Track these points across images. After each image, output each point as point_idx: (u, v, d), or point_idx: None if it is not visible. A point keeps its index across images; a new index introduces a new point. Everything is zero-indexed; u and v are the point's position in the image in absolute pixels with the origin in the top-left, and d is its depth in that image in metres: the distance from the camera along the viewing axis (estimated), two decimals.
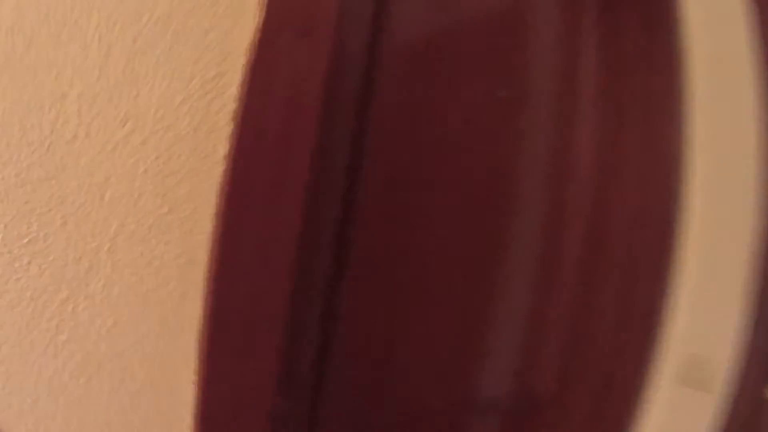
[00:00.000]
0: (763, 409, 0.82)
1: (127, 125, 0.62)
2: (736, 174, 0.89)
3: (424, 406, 0.79)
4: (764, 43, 0.81)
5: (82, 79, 0.62)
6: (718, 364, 0.83)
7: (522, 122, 0.84)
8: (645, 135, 0.87)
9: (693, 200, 0.91)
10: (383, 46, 0.71)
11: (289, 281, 0.65)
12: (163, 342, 0.63)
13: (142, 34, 0.63)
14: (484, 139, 0.78)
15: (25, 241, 0.62)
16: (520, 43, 0.82)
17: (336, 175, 0.69)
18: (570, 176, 0.84)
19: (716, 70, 0.89)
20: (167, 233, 0.62)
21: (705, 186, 0.92)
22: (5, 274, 0.63)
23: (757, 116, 0.83)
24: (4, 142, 0.63)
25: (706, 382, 0.82)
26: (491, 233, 0.79)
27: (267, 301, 0.64)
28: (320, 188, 0.67)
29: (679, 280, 0.91)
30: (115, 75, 0.63)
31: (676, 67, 0.86)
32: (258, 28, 0.65)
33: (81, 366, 0.64)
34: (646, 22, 0.88)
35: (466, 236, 0.76)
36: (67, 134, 0.62)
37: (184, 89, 0.64)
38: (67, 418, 0.65)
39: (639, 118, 0.85)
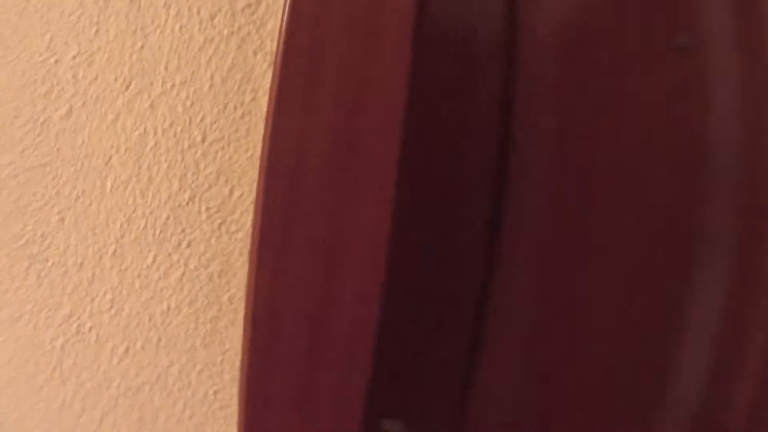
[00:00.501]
0: None
1: (130, 86, 0.44)
2: None
3: None
4: None
5: (77, 38, 0.46)
6: None
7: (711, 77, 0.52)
8: None
9: None
10: None
11: (376, 308, 0.44)
12: (190, 378, 0.45)
13: None
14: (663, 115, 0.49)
15: (22, 242, 0.48)
16: None
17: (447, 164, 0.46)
18: None
19: None
20: (190, 231, 0.44)
21: None
22: (5, 281, 0.50)
23: None
24: None
25: None
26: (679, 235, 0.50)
27: (355, 333, 0.44)
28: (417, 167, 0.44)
29: None
30: (115, 25, 0.45)
31: None
32: None
33: (93, 398, 0.49)
34: None
35: (644, 250, 0.48)
36: (62, 108, 0.46)
37: (205, 28, 0.44)
38: None
39: None
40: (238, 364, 0.46)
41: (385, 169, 0.43)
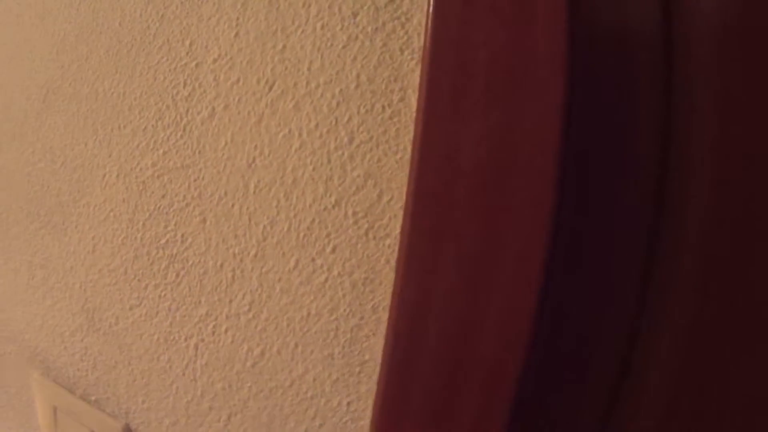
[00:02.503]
0: None
1: (273, 87, 0.43)
2: None
3: None
4: None
5: (217, 42, 0.45)
6: None
7: None
8: None
9: None
10: None
11: (536, 322, 0.40)
12: (324, 387, 0.43)
13: None
14: None
15: (163, 241, 0.48)
16: None
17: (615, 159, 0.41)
18: None
19: None
20: (335, 235, 0.41)
21: None
22: (144, 278, 0.50)
23: None
24: (141, 128, 0.49)
25: None
26: None
27: (501, 354, 0.40)
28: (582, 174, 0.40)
29: None
30: (255, 27, 0.44)
31: None
32: None
33: (222, 398, 0.48)
34: None
35: None
36: (204, 110, 0.45)
37: (347, 26, 0.42)
38: None
39: None
40: (376, 376, 0.44)
41: (543, 172, 0.39)
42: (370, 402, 0.45)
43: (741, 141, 0.39)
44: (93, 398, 0.58)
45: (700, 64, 0.40)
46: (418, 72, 0.42)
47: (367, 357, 0.43)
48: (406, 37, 0.43)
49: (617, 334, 0.43)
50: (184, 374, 0.50)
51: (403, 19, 0.43)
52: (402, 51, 0.42)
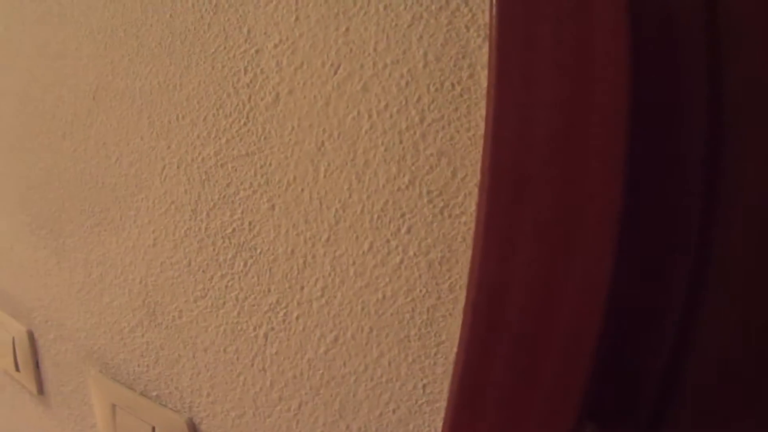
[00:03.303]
0: None
1: (339, 70, 0.43)
2: None
3: None
4: None
5: (277, 27, 0.45)
6: None
7: None
8: None
9: None
10: None
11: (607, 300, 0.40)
12: (400, 370, 0.43)
13: None
14: None
15: (229, 230, 0.48)
16: None
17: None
18: None
19: None
20: (410, 215, 0.41)
21: None
22: (209, 269, 0.50)
23: None
24: (201, 118, 0.48)
25: None
26: None
27: (578, 329, 0.40)
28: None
29: None
30: (315, 11, 0.44)
31: None
32: None
33: (292, 387, 0.48)
34: None
35: None
36: (267, 96, 0.45)
37: (411, 5, 0.42)
38: None
39: None
40: (452, 357, 0.44)
41: (616, 143, 0.38)
42: (446, 384, 0.44)
43: None
44: (154, 394, 0.58)
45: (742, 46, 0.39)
46: (485, 49, 0.41)
47: (443, 337, 0.43)
48: (470, 15, 0.42)
49: (671, 306, 0.43)
50: (252, 365, 0.50)
51: None
52: (468, 28, 0.42)
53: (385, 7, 0.44)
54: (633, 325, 0.45)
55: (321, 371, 0.47)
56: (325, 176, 0.44)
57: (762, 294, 0.42)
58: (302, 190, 0.45)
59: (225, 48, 0.49)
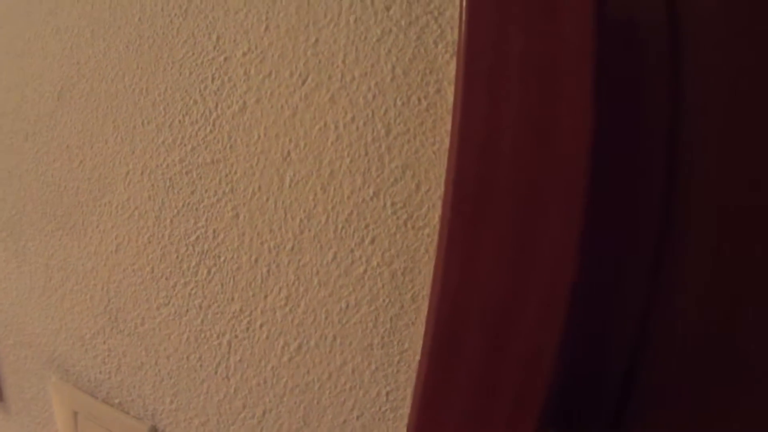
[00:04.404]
0: None
1: (307, 81, 0.43)
2: None
3: None
4: None
5: (246, 36, 0.45)
6: None
7: None
8: None
9: None
10: None
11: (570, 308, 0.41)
12: (363, 378, 0.44)
13: None
14: None
15: (193, 238, 0.48)
16: None
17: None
18: None
19: None
20: (374, 226, 0.42)
21: None
22: (173, 276, 0.49)
23: None
24: (167, 124, 0.48)
25: None
26: None
27: (540, 338, 0.41)
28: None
29: None
30: (285, 21, 0.44)
31: None
32: None
33: (256, 395, 0.48)
34: None
35: None
36: (234, 104, 0.45)
37: (381, 19, 0.42)
38: None
39: None
40: (415, 365, 0.44)
41: (578, 160, 0.39)
42: (409, 391, 0.45)
43: (749, 116, 0.40)
44: (116, 401, 0.58)
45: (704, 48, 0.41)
46: (452, 65, 0.42)
47: (406, 346, 0.43)
48: (439, 31, 0.43)
49: (632, 308, 0.45)
50: (216, 372, 0.50)
51: (436, 13, 0.43)
52: (436, 44, 0.43)
53: (356, 20, 0.44)
54: (593, 333, 0.46)
55: (285, 379, 0.48)
56: (290, 186, 0.44)
57: (717, 295, 0.43)
58: (267, 199, 0.45)
59: (193, 54, 0.48)
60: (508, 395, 0.44)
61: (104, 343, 0.56)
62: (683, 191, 0.43)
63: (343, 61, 0.44)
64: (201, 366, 0.51)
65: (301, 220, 0.44)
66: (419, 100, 0.42)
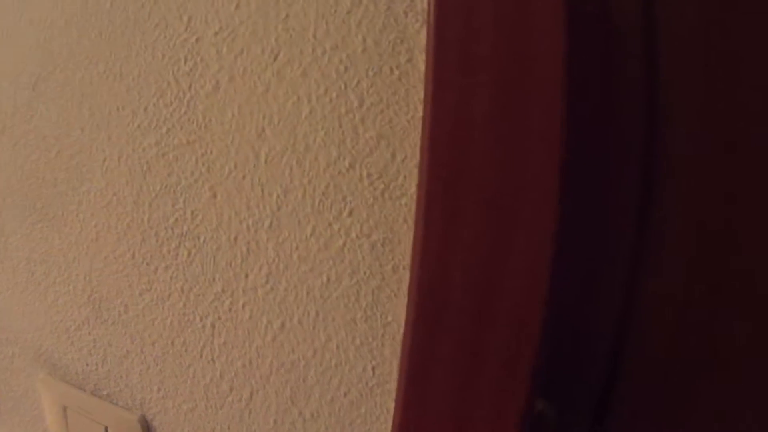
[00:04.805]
0: None
1: (279, 56, 0.43)
2: None
3: None
4: None
5: (217, 15, 0.45)
6: None
7: None
8: None
9: None
10: None
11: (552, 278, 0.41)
12: (348, 354, 0.43)
13: None
14: None
15: (172, 221, 0.47)
16: None
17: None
18: None
19: None
20: (351, 199, 0.41)
21: None
22: (153, 261, 0.49)
23: None
24: (142, 108, 0.48)
25: None
26: None
27: (525, 302, 0.41)
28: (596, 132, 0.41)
29: None
30: None
31: None
32: None
33: (242, 377, 0.48)
34: None
35: None
36: (208, 84, 0.45)
37: None
38: None
39: None
40: (399, 337, 0.44)
41: (552, 120, 0.39)
42: (395, 364, 0.45)
43: (726, 111, 0.40)
44: (105, 392, 0.57)
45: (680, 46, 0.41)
46: (423, 34, 0.42)
47: (390, 318, 0.43)
48: (409, 0, 0.43)
49: (617, 280, 0.44)
50: (201, 356, 0.50)
51: None
52: (406, 14, 0.43)
53: None
54: (581, 297, 0.46)
55: (270, 359, 0.47)
56: (266, 162, 0.44)
57: (697, 280, 0.43)
58: (243, 177, 0.44)
59: (165, 37, 0.48)
60: (496, 362, 0.44)
61: (89, 334, 0.56)
62: (661, 180, 0.43)
63: (314, 35, 0.43)
64: (186, 350, 0.50)
65: (278, 196, 0.44)
66: (391, 70, 0.42)
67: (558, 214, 0.40)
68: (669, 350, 0.47)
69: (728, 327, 0.42)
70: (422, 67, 0.42)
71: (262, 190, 0.44)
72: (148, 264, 0.50)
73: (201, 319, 0.48)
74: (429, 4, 0.41)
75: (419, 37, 0.42)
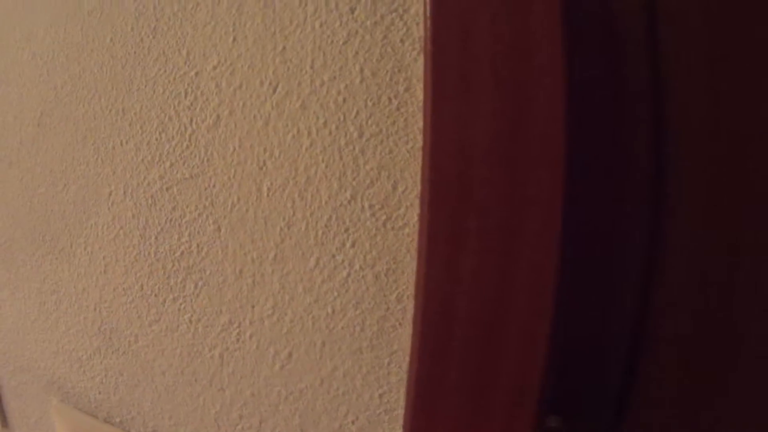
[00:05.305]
0: None
1: (278, 89, 0.43)
2: None
3: None
4: None
5: (215, 49, 0.45)
6: None
7: None
8: None
9: None
10: None
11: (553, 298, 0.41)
12: (355, 382, 0.44)
13: None
14: None
15: (178, 253, 0.48)
16: None
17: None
18: None
19: None
20: (353, 230, 0.42)
21: None
22: (161, 293, 0.50)
23: None
24: (144, 142, 0.48)
25: None
26: None
27: (531, 327, 0.41)
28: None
29: None
30: (252, 31, 0.44)
31: None
32: None
33: (252, 405, 0.49)
34: None
35: None
36: (208, 118, 0.45)
37: (346, 22, 0.42)
38: None
39: None
40: (406, 365, 0.44)
41: (555, 147, 0.39)
42: (402, 391, 0.45)
43: (733, 107, 0.40)
44: (117, 420, 0.58)
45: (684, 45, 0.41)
46: (420, 61, 0.42)
47: (395, 347, 0.43)
48: (405, 29, 0.43)
49: (630, 298, 0.44)
50: (210, 385, 0.50)
51: (400, 10, 0.43)
52: (403, 42, 0.43)
53: (321, 25, 0.44)
54: (592, 319, 0.46)
55: (278, 388, 0.48)
56: (268, 195, 0.44)
57: (711, 288, 0.43)
58: (247, 210, 0.45)
59: (165, 71, 0.49)
60: (504, 388, 0.44)
61: (101, 363, 0.57)
62: (670, 194, 0.42)
63: (312, 67, 0.44)
64: (196, 380, 0.51)
65: (281, 229, 0.44)
66: (389, 99, 0.42)
67: (561, 242, 0.40)
68: (683, 361, 0.46)
69: (741, 335, 0.41)
70: (420, 95, 0.42)
71: (266, 223, 0.44)
72: (156, 296, 0.51)
73: (209, 350, 0.49)
74: (425, 31, 0.41)
75: (417, 65, 0.42)
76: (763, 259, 0.39)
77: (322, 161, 0.42)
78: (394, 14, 0.42)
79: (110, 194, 0.51)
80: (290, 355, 0.46)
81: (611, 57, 0.42)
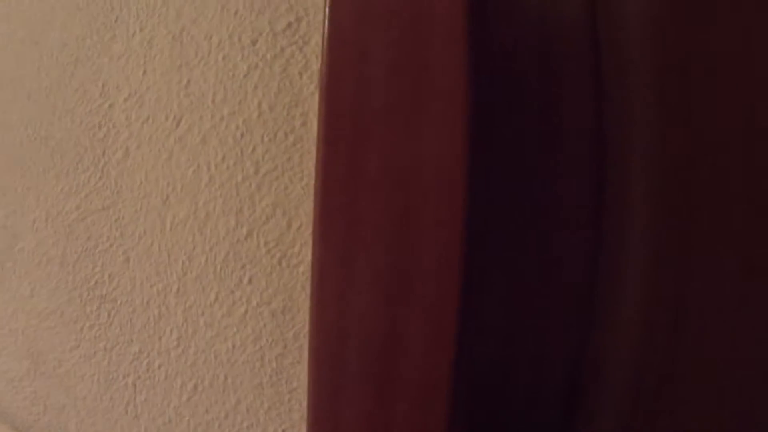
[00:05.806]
0: None
1: (181, 123, 0.43)
2: None
3: None
4: None
5: (128, 81, 0.46)
6: None
7: None
8: None
9: None
10: None
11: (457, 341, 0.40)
12: (258, 417, 0.44)
13: (188, 2, 0.43)
14: None
15: (92, 283, 0.49)
16: None
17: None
18: None
19: None
20: (250, 266, 0.42)
21: None
22: (80, 320, 0.50)
23: None
24: (64, 172, 0.49)
25: None
26: None
27: (428, 367, 0.40)
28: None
29: None
30: (161, 63, 0.45)
31: None
32: None
33: None
34: None
35: None
36: (119, 151, 0.46)
37: (248, 55, 0.43)
38: None
39: None
40: (306, 403, 0.44)
41: (451, 181, 0.39)
42: (304, 429, 0.45)
43: (674, 109, 0.39)
44: None
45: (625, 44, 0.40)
46: (317, 95, 0.42)
47: (295, 384, 0.43)
48: (304, 61, 0.43)
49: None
50: (126, 412, 0.51)
51: (300, 42, 0.43)
52: (301, 75, 0.43)
53: (224, 58, 0.44)
54: (502, 365, 0.45)
55: (187, 418, 0.48)
56: (171, 229, 0.44)
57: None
58: (152, 242, 0.45)
59: (83, 102, 0.49)
60: (404, 427, 0.43)
61: (30, 385, 0.58)
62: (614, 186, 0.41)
63: (213, 101, 0.44)
64: (113, 406, 0.52)
65: (183, 263, 0.44)
66: (285, 135, 0.42)
67: (459, 279, 0.40)
68: (628, 380, 0.45)
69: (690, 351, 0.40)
70: (316, 131, 0.42)
71: (169, 256, 0.45)
72: (75, 322, 0.52)
73: (123, 378, 0.50)
74: (321, 64, 0.41)
75: (314, 99, 0.42)
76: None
77: (220, 196, 0.43)
78: (294, 47, 0.42)
79: (34, 222, 0.52)
80: (195, 387, 0.46)
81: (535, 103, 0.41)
